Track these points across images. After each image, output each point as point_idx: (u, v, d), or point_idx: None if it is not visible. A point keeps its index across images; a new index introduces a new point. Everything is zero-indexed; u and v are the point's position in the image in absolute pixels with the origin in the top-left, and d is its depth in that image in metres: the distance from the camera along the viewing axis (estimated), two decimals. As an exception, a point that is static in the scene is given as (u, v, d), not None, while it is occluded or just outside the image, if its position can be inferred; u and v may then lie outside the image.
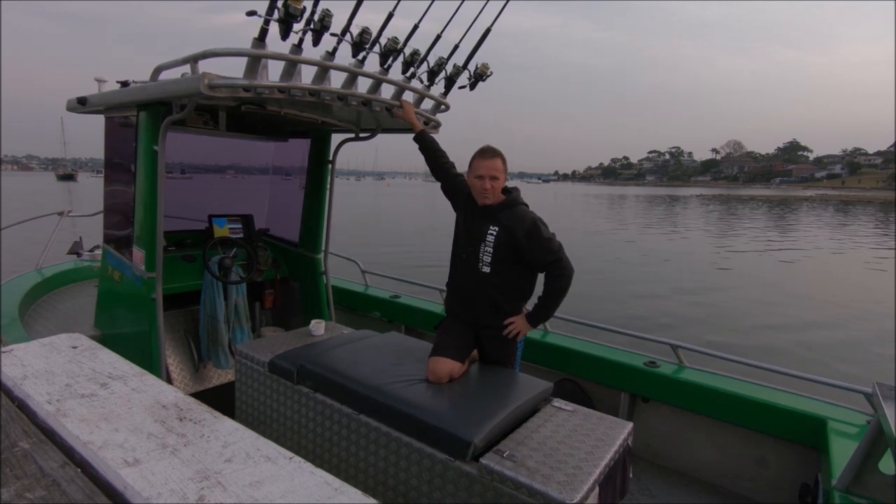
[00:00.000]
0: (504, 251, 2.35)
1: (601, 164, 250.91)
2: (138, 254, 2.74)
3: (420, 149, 2.72)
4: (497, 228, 2.36)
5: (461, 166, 2.67)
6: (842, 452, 2.06)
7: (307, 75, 2.28)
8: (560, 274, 2.32)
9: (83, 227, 5.19)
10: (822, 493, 2.08)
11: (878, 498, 1.79)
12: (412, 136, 2.76)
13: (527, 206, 2.46)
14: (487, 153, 2.37)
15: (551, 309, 2.41)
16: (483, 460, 1.76)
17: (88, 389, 1.07)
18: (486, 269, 2.38)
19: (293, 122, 3.16)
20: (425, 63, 2.50)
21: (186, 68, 2.16)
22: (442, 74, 2.59)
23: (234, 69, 2.12)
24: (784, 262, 15.13)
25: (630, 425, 2.05)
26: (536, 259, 2.34)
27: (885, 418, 1.61)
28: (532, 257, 2.34)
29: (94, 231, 3.84)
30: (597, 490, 1.74)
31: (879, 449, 1.75)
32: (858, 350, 7.21)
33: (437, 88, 2.69)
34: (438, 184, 2.70)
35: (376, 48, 2.30)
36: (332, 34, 2.13)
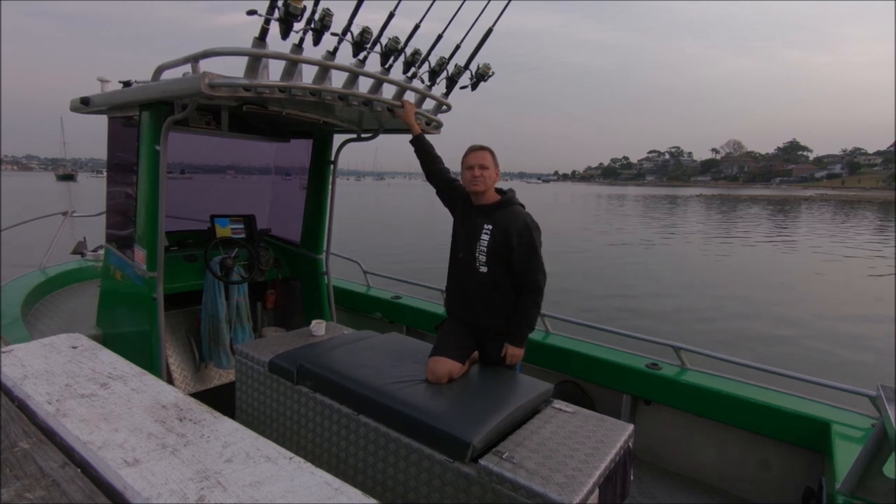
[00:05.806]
0: (499, 249, 2.36)
1: (601, 164, 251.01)
2: (140, 253, 2.74)
3: (416, 153, 2.69)
4: (491, 226, 2.38)
5: (456, 169, 2.67)
6: (846, 456, 2.04)
7: (308, 75, 2.28)
8: (534, 303, 2.41)
9: (87, 228, 5.19)
10: (826, 496, 2.06)
11: (883, 502, 1.77)
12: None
13: (522, 206, 2.47)
14: (475, 147, 2.46)
15: (531, 326, 2.46)
16: (482, 461, 1.75)
17: (88, 389, 1.07)
18: (483, 269, 2.39)
19: (295, 122, 3.16)
20: (426, 63, 2.49)
21: (188, 68, 2.16)
22: (443, 74, 2.58)
23: (235, 69, 2.13)
24: (785, 260, 15.12)
25: (631, 427, 2.04)
26: (520, 269, 2.38)
27: (890, 421, 1.58)
28: (518, 265, 2.37)
29: (98, 231, 3.85)
30: (597, 492, 1.74)
31: (884, 452, 1.73)
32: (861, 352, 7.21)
33: (439, 89, 2.68)
34: None
35: (377, 48, 2.30)
36: (333, 34, 2.13)
